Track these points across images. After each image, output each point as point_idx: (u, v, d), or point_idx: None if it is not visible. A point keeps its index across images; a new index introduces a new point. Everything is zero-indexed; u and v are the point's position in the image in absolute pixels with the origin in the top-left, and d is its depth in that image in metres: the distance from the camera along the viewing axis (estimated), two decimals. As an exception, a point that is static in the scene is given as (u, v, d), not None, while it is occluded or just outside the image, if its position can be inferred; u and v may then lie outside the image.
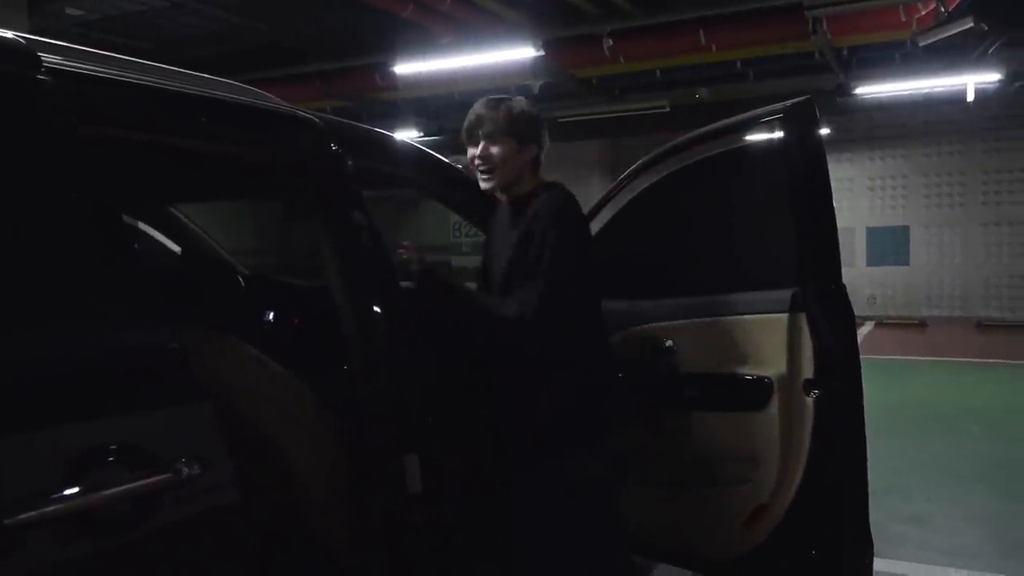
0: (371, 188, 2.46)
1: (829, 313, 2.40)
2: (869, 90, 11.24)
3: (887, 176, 15.50)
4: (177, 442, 1.46)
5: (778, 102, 2.50)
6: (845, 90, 11.25)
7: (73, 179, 1.46)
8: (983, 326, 14.06)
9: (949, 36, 8.38)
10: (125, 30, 9.74)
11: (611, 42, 9.38)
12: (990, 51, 9.91)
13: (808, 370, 2.41)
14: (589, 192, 13.86)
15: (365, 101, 12.26)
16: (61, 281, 1.41)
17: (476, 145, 2.40)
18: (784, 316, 2.44)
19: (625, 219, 2.90)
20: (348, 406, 2.09)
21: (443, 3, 8.52)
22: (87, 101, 1.59)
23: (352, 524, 2.17)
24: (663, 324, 2.71)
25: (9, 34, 1.49)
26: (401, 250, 2.43)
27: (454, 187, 2.88)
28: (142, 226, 3.32)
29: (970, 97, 10.99)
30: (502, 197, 2.48)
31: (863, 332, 13.15)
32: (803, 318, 2.42)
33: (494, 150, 2.38)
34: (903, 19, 8.29)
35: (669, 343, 2.68)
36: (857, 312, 2.52)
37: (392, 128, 11.95)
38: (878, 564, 2.59)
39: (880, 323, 14.63)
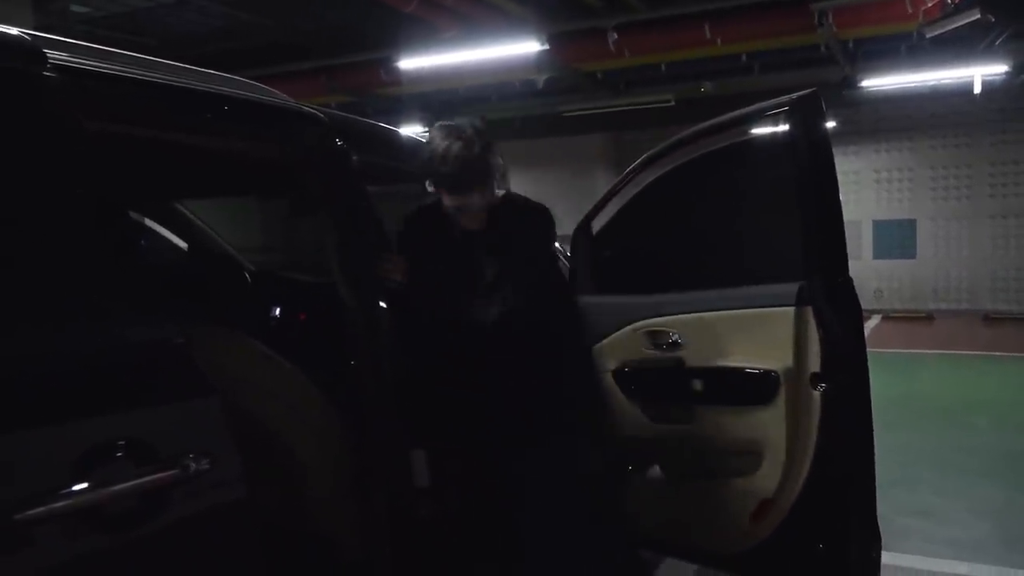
0: (376, 183, 2.46)
1: (836, 307, 2.39)
2: (875, 82, 11.18)
3: (893, 169, 15.43)
4: (184, 438, 1.46)
5: (784, 95, 2.49)
6: (851, 83, 11.19)
7: (79, 175, 1.46)
8: (990, 319, 14.00)
9: (956, 28, 8.34)
10: (130, 27, 9.74)
11: (616, 36, 9.34)
12: (997, 43, 9.85)
13: (815, 364, 2.41)
14: (594, 186, 13.83)
15: (370, 96, 12.25)
16: (68, 278, 1.42)
17: (462, 194, 2.30)
18: (791, 310, 2.43)
19: (631, 213, 2.89)
20: (354, 401, 2.09)
21: (447, -3, 8.51)
22: (92, 97, 1.59)
23: (357, 519, 2.18)
24: (669, 318, 2.70)
25: (14, 31, 1.49)
26: (387, 267, 2.35)
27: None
28: (148, 222, 3.33)
29: (977, 89, 10.94)
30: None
31: (870, 325, 13.11)
32: (810, 312, 2.41)
33: (482, 197, 2.34)
34: (909, 11, 8.24)
35: (675, 337, 2.67)
36: (864, 305, 2.51)
37: (397, 123, 11.94)
38: (885, 557, 2.58)
39: (887, 316, 14.58)
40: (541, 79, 10.84)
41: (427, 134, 2.36)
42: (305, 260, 3.55)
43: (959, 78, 10.86)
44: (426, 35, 9.33)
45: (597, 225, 2.98)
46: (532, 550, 2.42)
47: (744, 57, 10.53)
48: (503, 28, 9.05)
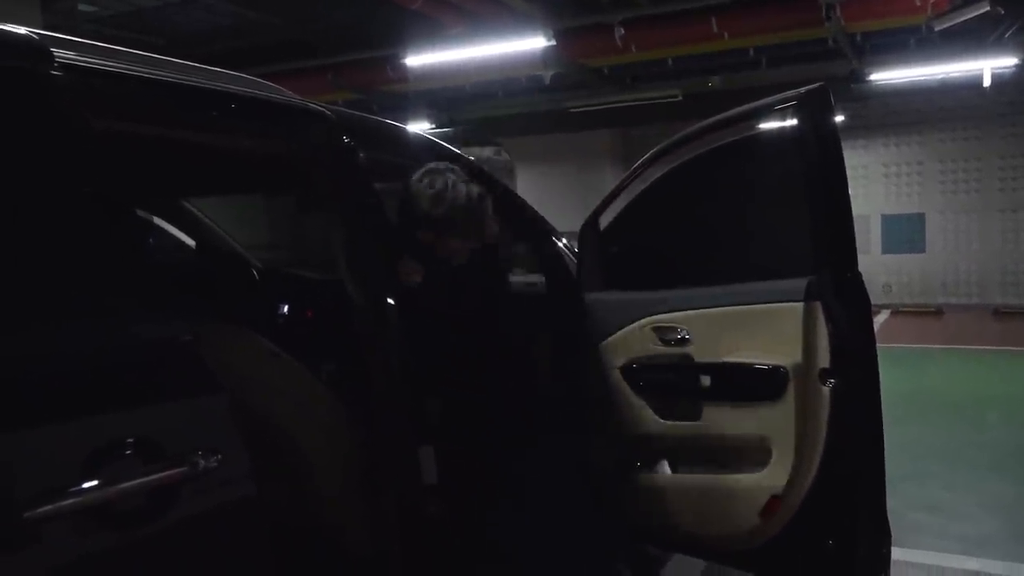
0: (383, 180, 2.46)
1: (845, 302, 2.38)
2: (884, 76, 11.12)
3: (902, 163, 15.35)
4: (193, 435, 1.47)
5: (792, 89, 2.48)
6: (859, 76, 11.13)
7: (86, 174, 1.47)
8: (1000, 313, 13.93)
9: (965, 20, 8.26)
10: (137, 25, 9.76)
11: (623, 31, 9.31)
12: (1007, 35, 9.78)
13: (824, 359, 2.40)
14: (601, 182, 13.81)
15: (376, 93, 12.25)
16: (76, 276, 1.42)
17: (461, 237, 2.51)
18: (799, 305, 2.42)
19: (638, 209, 2.89)
20: (362, 398, 2.09)
21: (453, -6, 8.50)
22: (99, 96, 1.59)
23: (366, 516, 2.18)
24: (677, 314, 2.69)
25: (22, 30, 1.50)
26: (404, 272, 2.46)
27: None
28: (156, 220, 3.34)
29: (986, 82, 10.86)
30: None
31: (879, 320, 13.06)
32: (819, 307, 2.40)
33: (463, 243, 2.53)
34: (918, 3, 8.19)
35: (683, 333, 2.67)
36: (873, 300, 2.50)
37: (403, 120, 11.93)
38: (895, 553, 2.57)
39: (896, 311, 14.52)
40: (547, 75, 10.82)
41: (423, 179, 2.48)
42: (312, 257, 3.55)
43: (968, 71, 10.78)
44: (432, 32, 9.32)
45: (605, 221, 2.98)
46: (536, 547, 2.42)
47: (751, 51, 10.48)
48: (509, 24, 9.03)
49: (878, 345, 2.44)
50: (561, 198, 12.18)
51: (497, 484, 2.66)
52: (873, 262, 14.81)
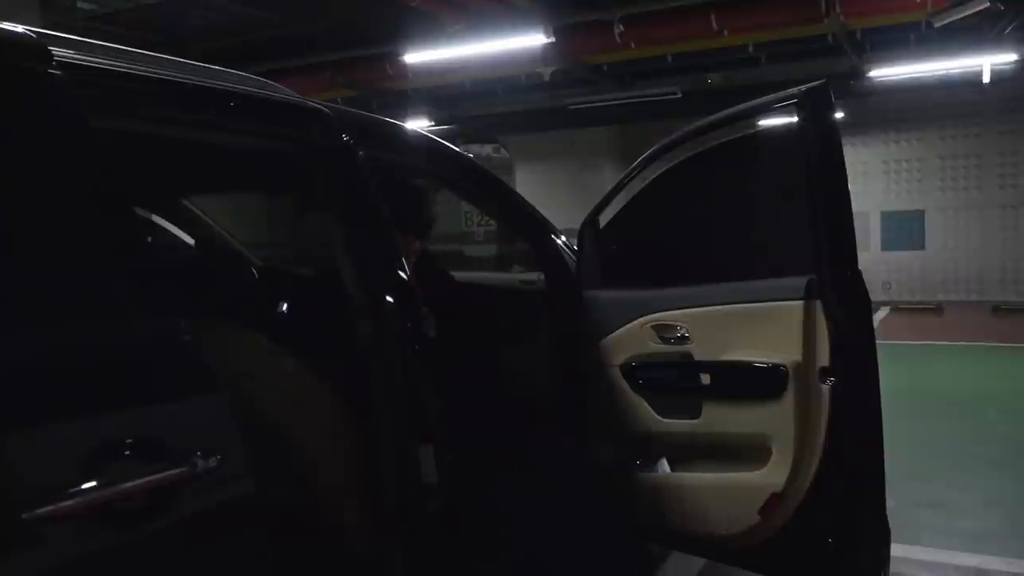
0: (383, 178, 2.45)
1: (845, 300, 2.38)
2: (884, 73, 11.12)
3: (902, 160, 15.36)
4: (192, 435, 1.46)
5: (792, 87, 2.47)
6: (859, 73, 11.13)
7: (85, 173, 1.46)
8: (1000, 310, 13.93)
9: (965, 17, 8.27)
10: (136, 23, 9.75)
11: (622, 28, 9.31)
12: (1006, 31, 9.78)
13: (824, 357, 2.40)
14: (601, 179, 13.83)
15: (376, 91, 12.25)
16: (74, 275, 1.42)
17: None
18: (799, 303, 2.42)
19: (638, 207, 2.88)
20: (362, 397, 2.09)
21: (453, -10, 8.51)
22: (98, 95, 1.59)
23: (367, 515, 2.18)
24: (677, 312, 2.69)
25: (20, 28, 1.49)
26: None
27: (465, 176, 2.88)
28: (155, 219, 3.33)
29: (986, 79, 10.86)
30: None
31: (879, 317, 13.07)
32: (818, 305, 2.40)
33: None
34: (917, 0, 8.19)
35: (683, 331, 2.67)
36: (872, 297, 2.50)
37: (403, 117, 11.93)
38: (896, 549, 2.58)
39: (896, 308, 14.53)
40: (547, 72, 10.82)
41: None
42: (312, 255, 3.55)
43: (968, 68, 10.80)
44: (432, 29, 9.32)
45: (604, 219, 2.97)
46: (536, 545, 2.42)
47: (751, 48, 10.47)
48: (509, 21, 9.03)
49: (878, 342, 2.44)
50: (560, 195, 12.19)
51: (494, 482, 2.66)
52: (873, 259, 14.83)
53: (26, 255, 1.36)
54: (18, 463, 1.23)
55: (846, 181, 2.42)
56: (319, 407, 2.35)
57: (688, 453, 2.81)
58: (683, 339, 2.67)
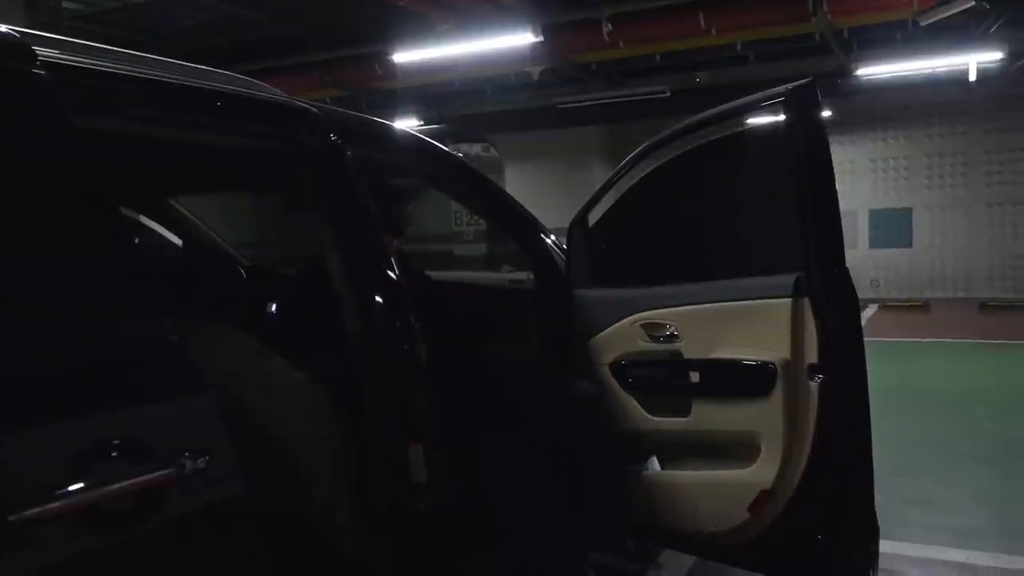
0: (371, 177, 2.45)
1: (833, 297, 2.39)
2: (870, 71, 11.16)
3: (889, 158, 15.43)
4: (180, 436, 1.46)
5: (779, 85, 2.48)
6: (846, 72, 11.18)
7: (70, 173, 1.45)
8: (987, 307, 14.02)
9: (951, 15, 8.31)
10: (123, 22, 9.69)
11: (610, 26, 9.31)
12: (992, 30, 9.83)
13: (812, 355, 2.41)
14: (590, 178, 13.81)
15: (365, 90, 12.22)
16: (60, 275, 1.41)
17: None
18: (787, 301, 2.43)
19: (627, 206, 2.89)
20: (351, 396, 2.09)
21: (441, -10, 8.49)
22: (83, 94, 1.58)
23: (357, 515, 2.17)
24: (666, 310, 2.70)
25: (4, 28, 1.48)
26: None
27: (454, 175, 2.87)
28: (141, 219, 3.32)
29: (972, 77, 10.92)
30: None
31: (866, 315, 13.13)
32: (807, 302, 2.41)
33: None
34: (904, -1, 8.23)
35: (672, 329, 2.67)
36: (860, 295, 2.51)
37: (392, 117, 11.91)
38: (885, 546, 2.59)
39: (884, 306, 14.60)
40: (536, 71, 10.81)
41: None
42: (301, 255, 3.54)
43: (955, 66, 10.85)
44: (421, 28, 9.30)
45: (593, 218, 2.98)
46: (527, 543, 2.42)
47: (739, 47, 10.50)
48: (497, 20, 9.02)
49: (866, 339, 2.45)
50: (549, 194, 12.19)
51: (484, 481, 2.66)
52: (861, 257, 14.89)
53: (11, 255, 1.35)
54: (3, 464, 1.22)
55: (833, 179, 2.43)
56: (308, 407, 2.34)
57: (678, 451, 2.82)
58: (672, 337, 2.67)
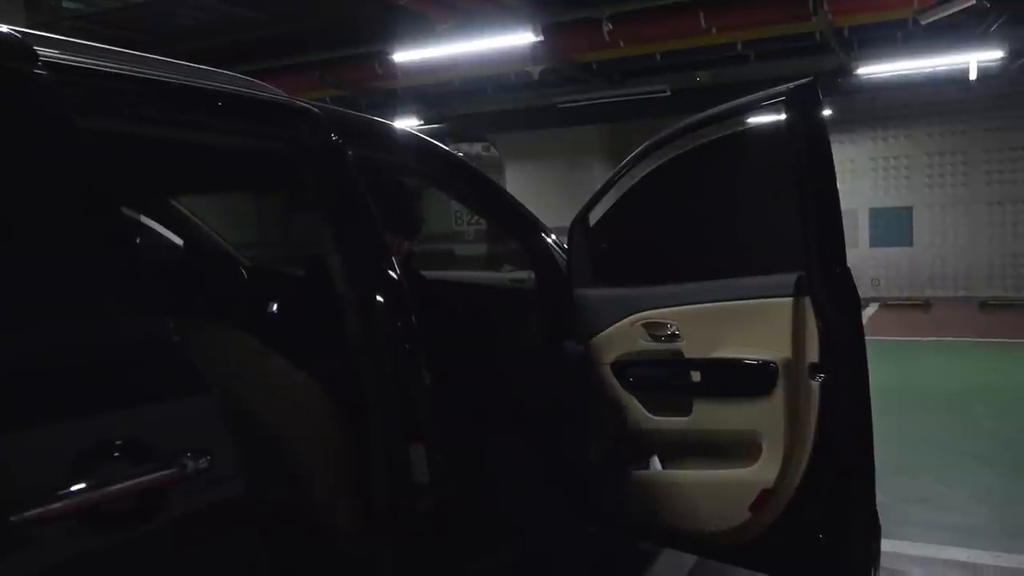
0: (372, 177, 2.45)
1: (834, 296, 2.39)
2: (871, 70, 11.16)
3: (890, 156, 15.43)
4: (182, 436, 1.46)
5: (780, 84, 2.48)
6: (847, 71, 11.18)
7: (71, 173, 1.45)
8: (987, 306, 14.01)
9: (951, 14, 8.31)
10: (124, 22, 9.69)
11: (611, 26, 9.31)
12: (992, 29, 9.83)
13: (813, 354, 2.40)
14: (591, 178, 13.82)
15: (365, 90, 12.22)
16: (62, 276, 1.41)
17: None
18: (789, 300, 2.43)
19: (628, 205, 2.89)
20: (353, 396, 2.09)
21: (442, -11, 8.49)
22: (84, 95, 1.58)
23: (358, 515, 2.18)
24: (667, 310, 2.70)
25: (5, 28, 1.48)
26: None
27: (455, 175, 2.87)
28: (143, 219, 3.32)
29: (973, 76, 10.91)
30: None
31: (867, 314, 13.12)
32: (808, 302, 2.41)
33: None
34: (904, -2, 8.23)
35: (673, 329, 2.67)
36: (861, 294, 2.51)
37: (392, 116, 11.91)
38: (886, 545, 2.59)
39: (884, 304, 14.60)
40: (536, 71, 10.81)
41: None
42: (302, 255, 3.54)
43: (955, 65, 10.84)
44: (421, 28, 9.30)
45: (594, 217, 2.98)
46: (527, 542, 2.43)
47: (740, 46, 10.49)
48: (498, 20, 9.02)
49: (867, 338, 2.45)
50: (550, 194, 12.19)
51: (484, 481, 2.66)
52: (861, 256, 14.89)
53: (12, 255, 1.35)
54: (4, 464, 1.22)
55: (834, 178, 2.42)
56: (309, 407, 2.34)
57: (679, 450, 2.82)
58: (673, 337, 2.67)
